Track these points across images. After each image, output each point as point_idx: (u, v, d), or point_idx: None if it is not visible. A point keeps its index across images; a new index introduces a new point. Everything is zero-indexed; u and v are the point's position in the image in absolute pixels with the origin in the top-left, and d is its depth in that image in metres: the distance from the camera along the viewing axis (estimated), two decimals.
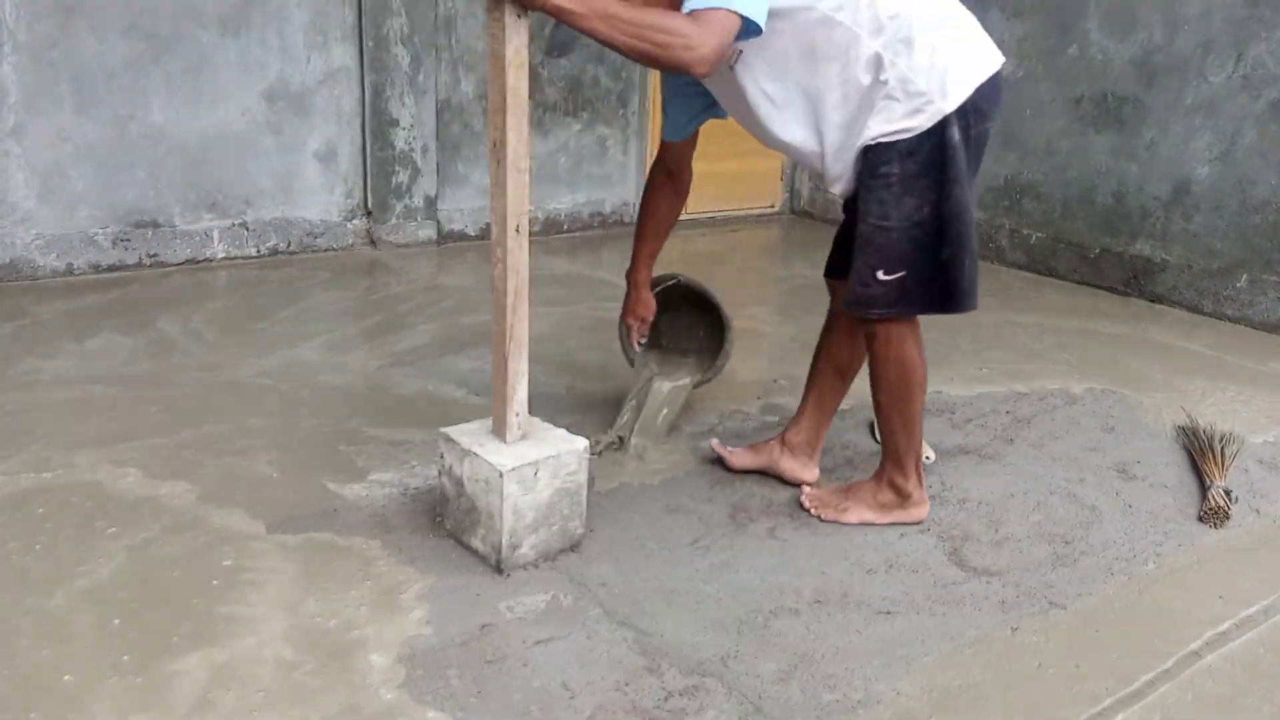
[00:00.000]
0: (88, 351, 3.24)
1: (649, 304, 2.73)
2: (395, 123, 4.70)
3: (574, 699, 1.70)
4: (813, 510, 2.37)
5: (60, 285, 3.97)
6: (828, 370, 2.52)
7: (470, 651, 1.81)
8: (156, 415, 2.76)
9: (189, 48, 4.16)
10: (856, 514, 2.34)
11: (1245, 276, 4.28)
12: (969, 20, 2.19)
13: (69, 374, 3.04)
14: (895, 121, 2.01)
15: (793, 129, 2.12)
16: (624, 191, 5.73)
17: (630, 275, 2.70)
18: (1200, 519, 2.47)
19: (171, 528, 2.17)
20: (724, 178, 6.10)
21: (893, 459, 2.32)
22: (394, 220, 4.84)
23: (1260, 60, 4.16)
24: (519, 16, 1.85)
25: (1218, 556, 2.32)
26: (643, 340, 2.78)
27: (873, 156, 2.06)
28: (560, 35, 2.04)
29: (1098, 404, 3.20)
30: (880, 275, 2.10)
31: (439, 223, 5.02)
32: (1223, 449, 2.74)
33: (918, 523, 2.34)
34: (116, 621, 1.83)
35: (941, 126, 2.01)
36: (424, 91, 4.74)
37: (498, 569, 2.06)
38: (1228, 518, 2.45)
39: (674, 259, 5.20)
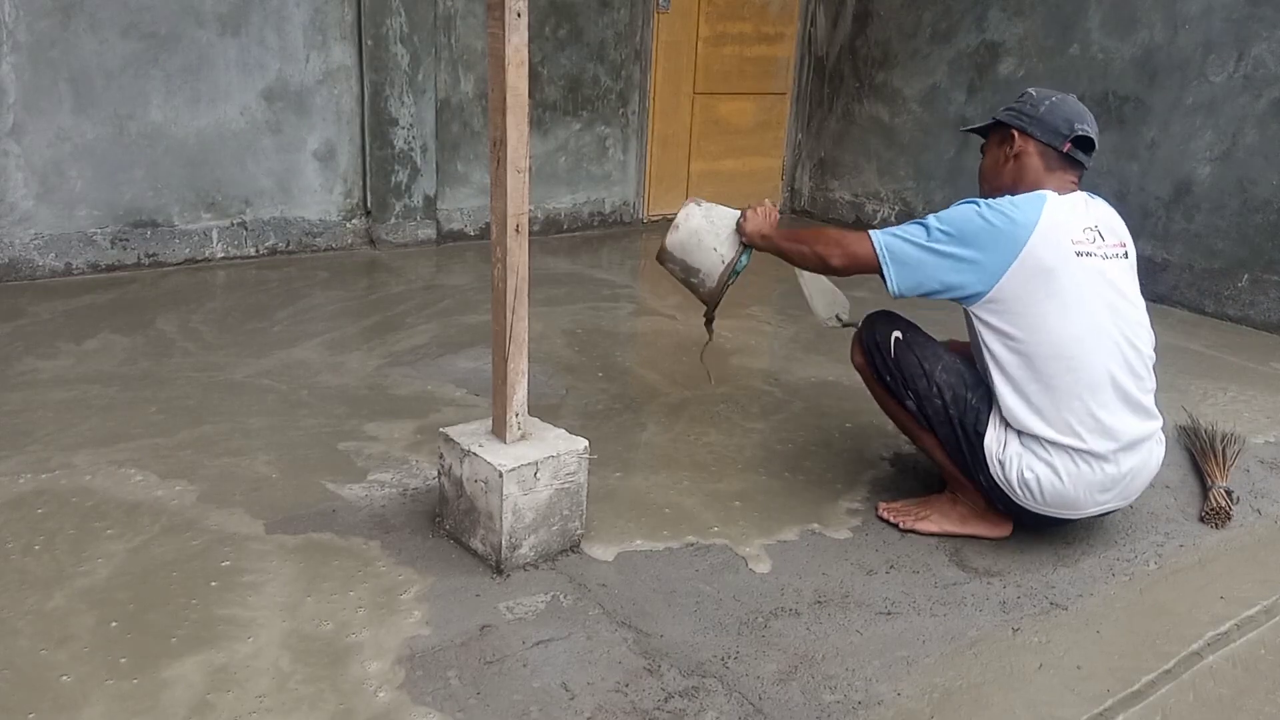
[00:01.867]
0: (86, 351, 3.24)
1: None
2: (394, 122, 4.69)
3: (574, 700, 1.69)
4: (891, 519, 2.35)
5: (59, 285, 3.97)
6: None
7: (470, 652, 1.80)
8: (155, 415, 2.76)
9: (188, 47, 4.15)
10: (936, 523, 2.32)
11: (1246, 276, 4.28)
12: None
13: (68, 374, 3.03)
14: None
15: None
16: (624, 191, 5.73)
17: None
18: (1201, 519, 2.46)
19: (170, 528, 2.16)
20: (724, 176, 6.10)
21: (947, 473, 2.32)
22: (393, 220, 4.84)
23: (1261, 60, 4.15)
24: (518, 16, 1.85)
25: (1219, 557, 2.31)
26: None
27: None
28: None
29: None
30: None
31: (438, 222, 5.02)
32: (1224, 449, 2.74)
33: (999, 537, 2.30)
34: (114, 624, 1.83)
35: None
36: (423, 91, 4.73)
37: (497, 569, 2.05)
38: (1229, 518, 2.44)
39: None
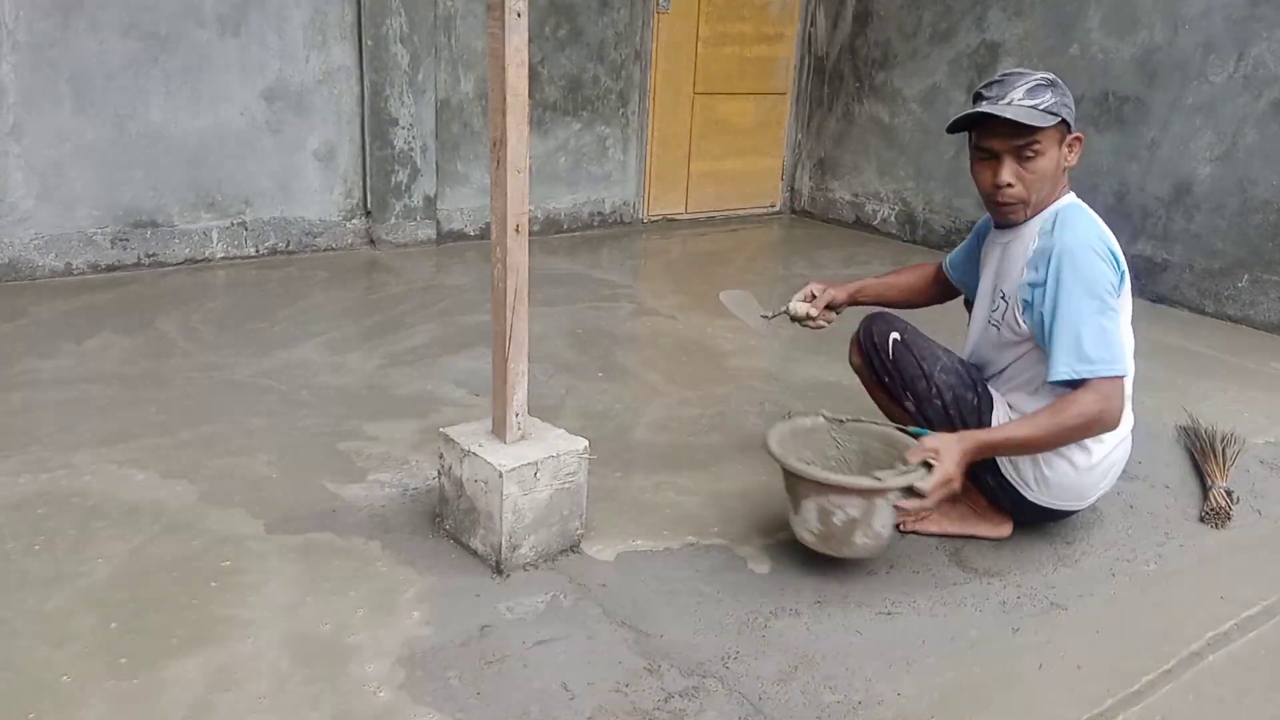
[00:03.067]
0: (87, 351, 3.24)
1: (836, 300, 2.50)
2: (394, 122, 4.69)
3: (574, 700, 1.69)
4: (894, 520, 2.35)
5: (59, 285, 3.97)
6: None
7: (470, 652, 1.80)
8: (155, 415, 2.76)
9: (188, 47, 4.15)
10: (936, 523, 2.31)
11: (1247, 276, 4.28)
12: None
13: (68, 374, 3.03)
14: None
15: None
16: (624, 191, 5.73)
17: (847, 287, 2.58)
18: (1202, 519, 2.46)
19: (170, 528, 2.16)
20: (724, 177, 6.10)
21: None
22: (393, 220, 4.84)
23: (1261, 60, 4.15)
24: (518, 16, 1.85)
25: (1219, 557, 2.31)
26: (802, 315, 2.45)
27: None
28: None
29: None
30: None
31: (438, 222, 5.02)
32: (1224, 449, 2.74)
33: (998, 538, 2.29)
34: (114, 624, 1.83)
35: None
36: (423, 91, 4.73)
37: (497, 569, 2.05)
38: (1229, 518, 2.44)
39: (674, 257, 5.20)
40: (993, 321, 2.23)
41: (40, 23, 3.82)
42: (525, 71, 1.88)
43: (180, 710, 1.62)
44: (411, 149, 4.78)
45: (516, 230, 1.97)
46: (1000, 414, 2.17)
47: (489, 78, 1.90)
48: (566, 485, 2.11)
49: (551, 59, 5.21)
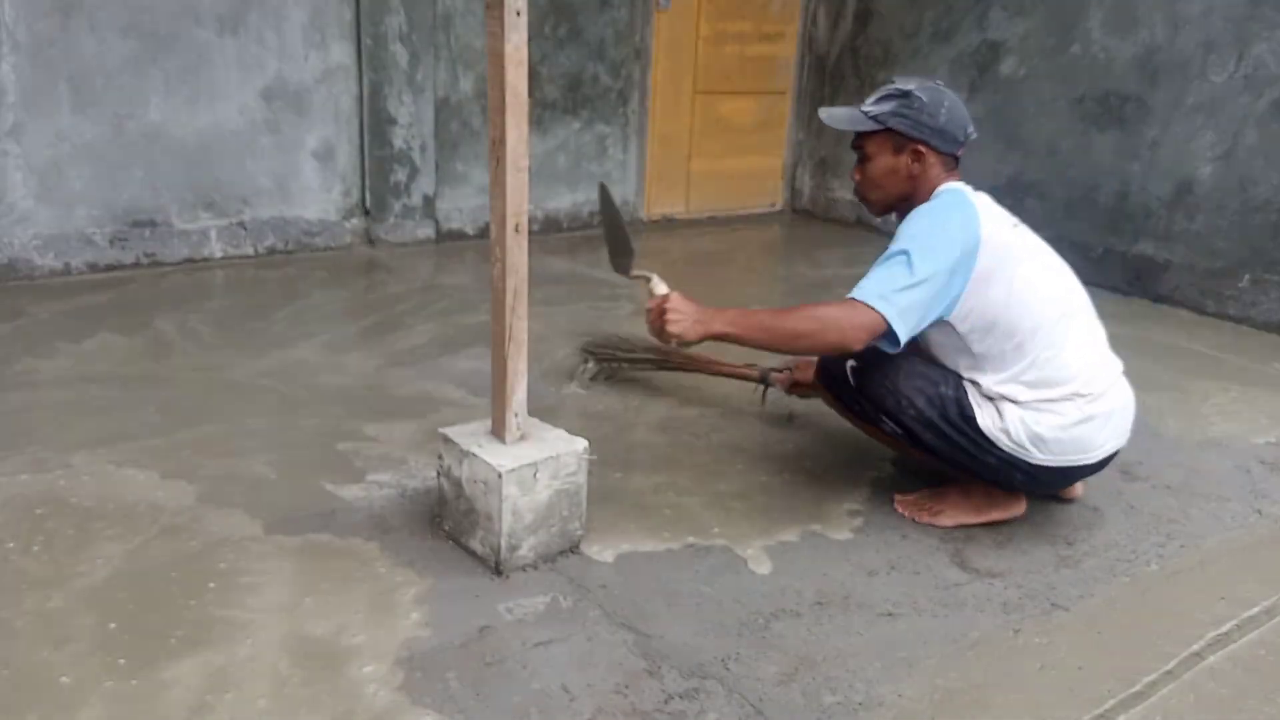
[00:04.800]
0: (85, 351, 3.23)
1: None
2: (393, 121, 4.68)
3: (574, 701, 1.69)
4: (907, 515, 2.36)
5: (58, 285, 3.96)
6: None
7: (469, 654, 1.80)
8: (154, 416, 2.75)
9: (187, 47, 4.15)
10: (951, 517, 2.33)
11: (1247, 276, 4.27)
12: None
13: (66, 374, 3.03)
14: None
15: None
16: (624, 190, 5.72)
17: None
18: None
19: (169, 529, 2.16)
20: (725, 176, 6.10)
21: (952, 469, 2.33)
22: (392, 219, 4.83)
23: (1261, 60, 4.15)
24: (518, 14, 1.84)
25: (1220, 557, 2.31)
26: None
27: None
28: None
29: None
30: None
31: (437, 222, 5.01)
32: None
33: (1014, 518, 2.32)
34: (113, 625, 1.82)
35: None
36: (422, 90, 4.73)
37: (497, 570, 2.05)
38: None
39: (675, 258, 5.19)
40: None
41: (39, 23, 3.81)
42: (525, 70, 1.88)
43: (179, 711, 1.61)
44: (410, 148, 4.77)
45: (516, 230, 1.96)
46: (976, 395, 2.17)
47: (488, 77, 1.90)
48: (566, 486, 2.10)
49: (551, 58, 5.20)
